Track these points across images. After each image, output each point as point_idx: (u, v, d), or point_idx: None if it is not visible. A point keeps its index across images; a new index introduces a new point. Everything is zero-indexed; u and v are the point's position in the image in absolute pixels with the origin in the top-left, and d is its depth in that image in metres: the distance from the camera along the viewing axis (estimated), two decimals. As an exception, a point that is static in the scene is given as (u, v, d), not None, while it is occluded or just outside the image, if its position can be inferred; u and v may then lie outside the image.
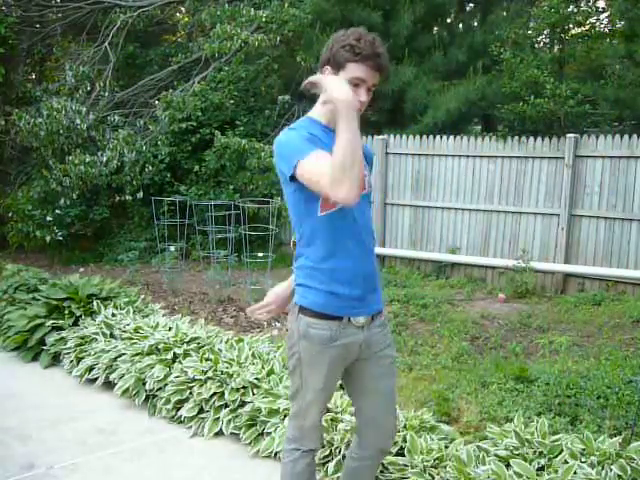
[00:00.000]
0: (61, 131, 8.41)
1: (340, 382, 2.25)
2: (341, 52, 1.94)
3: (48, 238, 8.46)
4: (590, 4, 9.29)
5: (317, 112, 2.06)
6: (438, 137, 8.12)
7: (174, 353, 4.04)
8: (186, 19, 12.10)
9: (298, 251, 2.08)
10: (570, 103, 7.77)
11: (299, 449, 2.18)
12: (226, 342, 4.24)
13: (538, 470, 2.67)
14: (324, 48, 2.01)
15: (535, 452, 2.79)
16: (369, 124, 9.28)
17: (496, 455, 2.81)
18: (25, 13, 10.28)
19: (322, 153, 1.85)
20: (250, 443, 3.33)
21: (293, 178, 1.89)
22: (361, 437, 2.26)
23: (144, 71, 10.63)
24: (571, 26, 9.12)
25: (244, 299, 6.30)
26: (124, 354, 4.18)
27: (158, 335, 4.28)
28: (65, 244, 8.97)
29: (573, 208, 7.17)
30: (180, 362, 3.94)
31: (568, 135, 7.18)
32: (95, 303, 5.00)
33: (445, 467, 2.79)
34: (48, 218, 8.50)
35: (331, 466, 2.94)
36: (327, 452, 3.01)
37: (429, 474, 2.78)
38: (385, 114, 9.70)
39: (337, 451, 2.99)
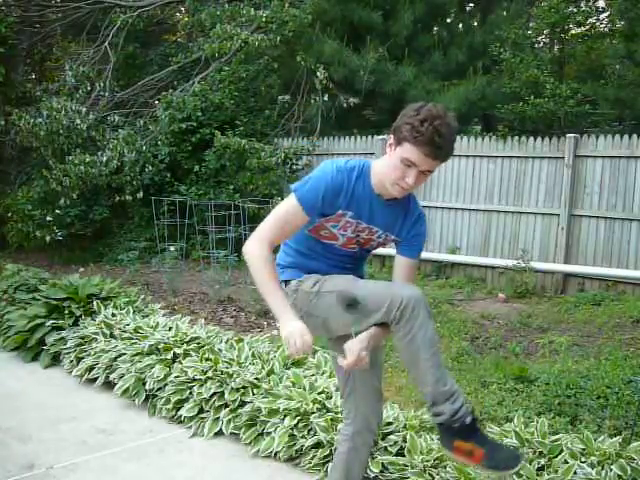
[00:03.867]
0: (61, 131, 8.41)
1: (335, 381, 2.34)
2: (403, 128, 1.85)
3: (48, 238, 8.46)
4: (590, 4, 9.30)
5: (377, 172, 2.01)
6: (438, 137, 8.10)
7: (174, 353, 4.04)
8: (186, 19, 12.10)
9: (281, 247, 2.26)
10: (570, 103, 7.77)
11: (344, 431, 2.35)
12: (226, 342, 4.24)
13: (538, 470, 2.66)
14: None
15: (535, 452, 2.78)
16: (369, 124, 9.28)
17: (496, 455, 2.81)
18: (25, 13, 10.30)
19: (282, 214, 2.03)
20: (250, 443, 3.33)
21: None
22: (351, 418, 2.34)
23: (144, 71, 10.63)
24: (571, 26, 9.14)
25: (244, 299, 6.30)
26: (124, 354, 4.18)
27: (158, 335, 4.27)
28: (65, 244, 8.97)
29: (573, 208, 7.16)
30: (180, 362, 3.94)
31: (568, 135, 7.17)
32: (95, 303, 4.99)
33: (445, 467, 2.79)
34: (48, 218, 8.49)
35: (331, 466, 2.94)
36: (327, 452, 3.00)
37: (429, 474, 2.78)
38: (385, 114, 9.70)
39: (337, 451, 2.99)
